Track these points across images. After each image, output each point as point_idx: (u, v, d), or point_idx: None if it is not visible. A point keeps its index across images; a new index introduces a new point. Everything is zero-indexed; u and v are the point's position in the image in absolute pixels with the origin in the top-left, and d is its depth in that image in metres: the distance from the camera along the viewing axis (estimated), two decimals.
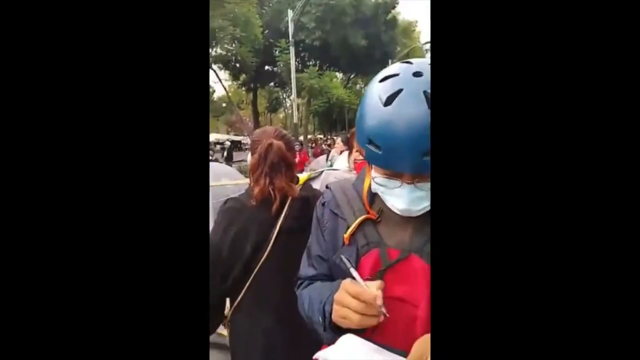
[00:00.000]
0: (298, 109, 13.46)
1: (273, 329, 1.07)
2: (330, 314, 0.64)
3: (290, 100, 15.52)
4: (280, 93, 20.57)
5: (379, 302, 0.56)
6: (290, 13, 11.89)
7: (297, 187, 1.13)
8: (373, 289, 0.58)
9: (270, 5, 16.67)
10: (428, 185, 0.60)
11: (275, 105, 21.58)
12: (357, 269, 0.66)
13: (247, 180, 1.20)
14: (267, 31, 15.67)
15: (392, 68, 0.61)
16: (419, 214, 0.64)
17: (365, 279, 0.63)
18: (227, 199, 1.15)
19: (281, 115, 27.48)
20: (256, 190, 1.08)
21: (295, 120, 12.87)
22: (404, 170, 0.58)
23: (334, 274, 0.74)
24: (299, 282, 0.82)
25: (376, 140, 0.58)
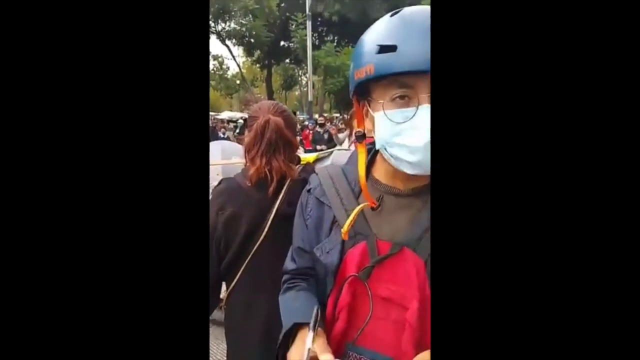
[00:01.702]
0: (314, 87, 13.00)
1: (270, 314, 0.99)
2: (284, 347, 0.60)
3: (306, 78, 15.08)
4: (295, 70, 20.00)
5: None
6: None
7: (297, 168, 1.06)
8: None
9: None
10: None
11: (290, 83, 21.06)
12: (341, 263, 0.62)
13: None
14: (283, 4, 15.03)
15: None
16: None
17: (352, 276, 0.60)
18: (222, 179, 1.07)
19: (296, 93, 26.98)
20: (252, 170, 1.00)
21: (310, 98, 12.47)
22: (425, 64, 0.48)
23: (317, 269, 0.68)
24: (284, 277, 0.77)
25: (389, 40, 0.53)
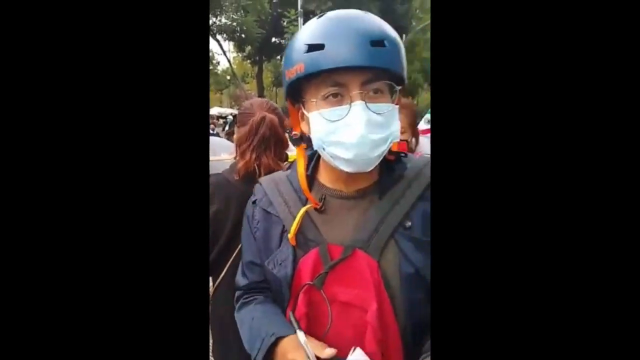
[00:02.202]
0: None
1: None
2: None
3: None
4: None
5: None
6: None
7: (285, 166, 1.07)
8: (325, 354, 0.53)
9: None
10: (383, 108, 0.55)
11: (281, 80, 20.95)
12: (295, 273, 0.61)
13: None
14: (275, 0, 14.94)
15: None
16: (374, 158, 0.56)
17: (306, 285, 0.58)
18: (210, 175, 1.08)
19: None
20: (241, 164, 1.03)
21: None
22: (352, 61, 0.52)
23: (270, 282, 0.67)
24: (237, 293, 0.75)
25: (317, 39, 0.54)
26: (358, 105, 0.54)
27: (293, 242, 0.62)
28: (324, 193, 0.64)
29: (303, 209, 0.62)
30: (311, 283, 0.59)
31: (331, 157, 0.59)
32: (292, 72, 0.58)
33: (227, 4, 12.36)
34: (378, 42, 0.52)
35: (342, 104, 0.55)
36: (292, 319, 0.59)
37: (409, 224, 0.60)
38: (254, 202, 0.71)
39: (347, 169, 0.58)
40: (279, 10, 14.02)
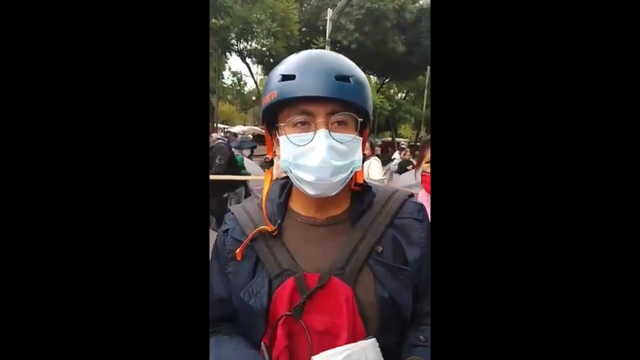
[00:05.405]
0: None
1: None
2: None
3: None
4: None
5: None
6: (329, 12, 11.68)
7: None
8: None
9: (311, 2, 16.51)
10: (345, 138, 0.59)
11: None
12: (271, 303, 0.61)
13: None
14: (304, 29, 15.57)
15: None
16: (335, 183, 0.59)
17: (284, 316, 0.59)
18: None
19: None
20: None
21: None
22: (318, 91, 0.57)
23: (242, 313, 0.65)
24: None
25: (290, 70, 0.60)
26: (322, 132, 0.58)
27: (238, 257, 0.64)
28: (299, 222, 0.66)
29: (255, 230, 0.64)
30: (289, 314, 0.59)
31: (297, 179, 0.62)
32: (267, 98, 0.62)
33: (258, 30, 12.97)
34: (343, 77, 0.58)
35: (308, 130, 0.60)
36: (265, 350, 0.58)
37: (380, 249, 0.62)
38: (225, 232, 0.70)
39: (311, 192, 0.61)
40: (308, 39, 14.59)
